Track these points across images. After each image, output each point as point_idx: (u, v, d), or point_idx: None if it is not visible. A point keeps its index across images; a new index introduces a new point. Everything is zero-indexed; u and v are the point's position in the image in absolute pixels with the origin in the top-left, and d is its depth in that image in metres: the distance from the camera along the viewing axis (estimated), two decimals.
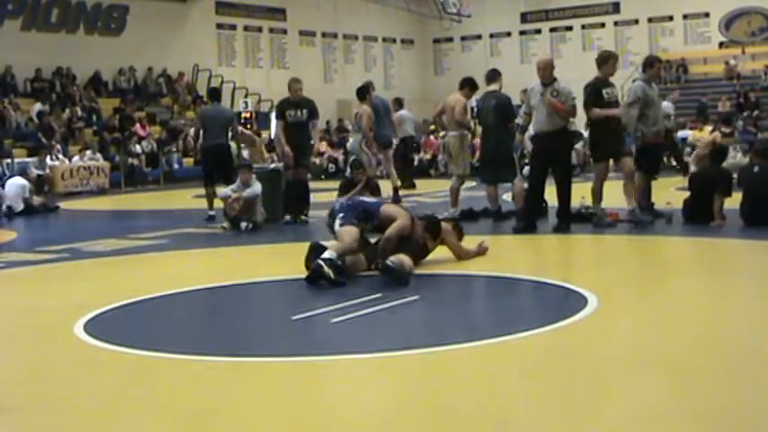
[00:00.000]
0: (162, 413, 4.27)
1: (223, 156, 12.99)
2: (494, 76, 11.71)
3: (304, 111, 12.08)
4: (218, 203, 12.59)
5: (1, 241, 11.84)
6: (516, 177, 11.28)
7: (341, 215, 7.94)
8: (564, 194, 10.18)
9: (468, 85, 12.17)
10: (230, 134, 13.28)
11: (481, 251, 8.48)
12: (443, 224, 8.47)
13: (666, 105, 18.45)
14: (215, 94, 14.33)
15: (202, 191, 13.47)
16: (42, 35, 25.96)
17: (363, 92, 13.31)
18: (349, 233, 7.70)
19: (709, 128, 20.44)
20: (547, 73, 10.23)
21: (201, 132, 13.14)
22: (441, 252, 8.28)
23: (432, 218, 8.48)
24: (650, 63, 11.06)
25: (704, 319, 5.92)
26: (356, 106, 13.81)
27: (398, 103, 18.85)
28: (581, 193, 11.56)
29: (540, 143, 10.29)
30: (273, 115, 13.14)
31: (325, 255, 7.34)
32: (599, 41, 34.53)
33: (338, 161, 23.60)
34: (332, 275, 7.15)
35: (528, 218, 10.30)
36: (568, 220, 10.18)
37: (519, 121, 10.91)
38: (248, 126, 26.35)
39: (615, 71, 10.67)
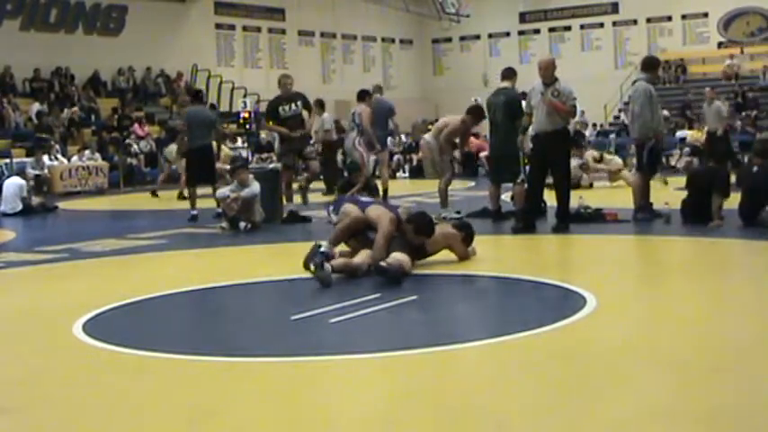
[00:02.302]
0: (161, 413, 4.27)
1: (207, 157, 13.05)
2: (508, 73, 11.70)
3: (298, 103, 12.20)
4: (201, 203, 12.93)
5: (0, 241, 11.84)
6: (518, 178, 11.25)
7: (332, 207, 8.33)
8: (563, 195, 10.17)
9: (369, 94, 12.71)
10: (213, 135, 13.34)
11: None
12: (450, 230, 8.41)
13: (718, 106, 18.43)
14: (199, 95, 14.40)
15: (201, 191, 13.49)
16: (41, 35, 25.98)
17: (363, 94, 13.36)
18: (347, 210, 7.97)
19: (707, 128, 20.42)
20: (548, 73, 10.21)
21: (187, 134, 13.15)
22: (440, 252, 8.29)
23: (421, 218, 8.12)
24: (653, 65, 11.08)
25: (703, 319, 5.92)
26: (355, 105, 13.83)
27: (320, 106, 17.63)
28: (579, 194, 11.58)
29: (540, 143, 10.27)
30: (264, 114, 13.21)
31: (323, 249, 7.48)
32: (597, 42, 34.62)
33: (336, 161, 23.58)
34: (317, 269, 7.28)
35: (527, 218, 10.30)
36: (568, 220, 10.18)
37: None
38: (247, 127, 26.36)
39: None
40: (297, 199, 12.79)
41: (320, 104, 17.73)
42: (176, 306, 7.16)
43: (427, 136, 12.58)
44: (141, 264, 9.40)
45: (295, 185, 12.83)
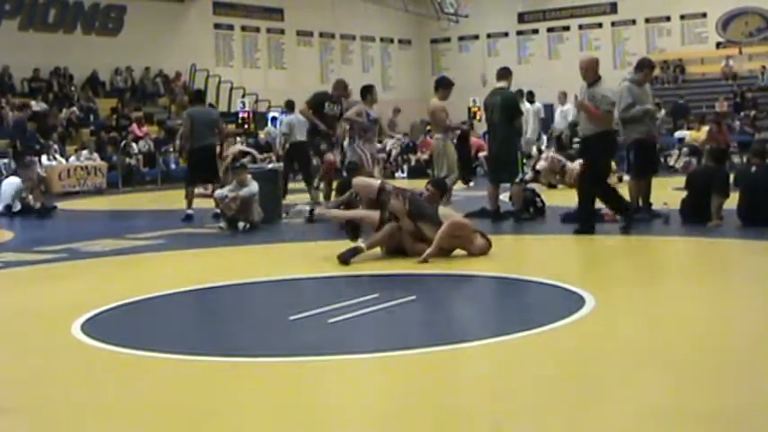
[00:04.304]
0: (160, 413, 4.27)
1: (210, 156, 13.06)
2: (504, 73, 11.66)
3: (338, 107, 12.93)
4: (197, 203, 13.05)
5: None
6: (517, 178, 11.22)
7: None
8: (583, 196, 9.91)
9: (369, 92, 12.58)
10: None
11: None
12: (471, 231, 8.48)
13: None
14: (200, 96, 14.53)
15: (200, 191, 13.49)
16: (40, 35, 25.95)
17: (364, 91, 13.31)
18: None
19: (706, 128, 20.49)
20: (587, 74, 9.88)
21: (190, 134, 13.16)
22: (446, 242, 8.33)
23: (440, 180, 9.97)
24: (640, 66, 11.03)
25: (702, 319, 5.92)
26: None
27: (289, 107, 17.49)
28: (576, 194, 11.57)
29: (581, 146, 10.09)
30: (306, 101, 13.30)
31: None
32: (596, 42, 34.63)
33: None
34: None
35: (587, 220, 9.94)
36: (586, 222, 9.88)
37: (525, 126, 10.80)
38: (246, 127, 26.34)
39: None
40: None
41: (290, 106, 17.85)
42: (175, 306, 7.15)
43: (435, 135, 12.53)
44: (140, 264, 9.39)
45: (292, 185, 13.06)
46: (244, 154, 16.94)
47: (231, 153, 16.57)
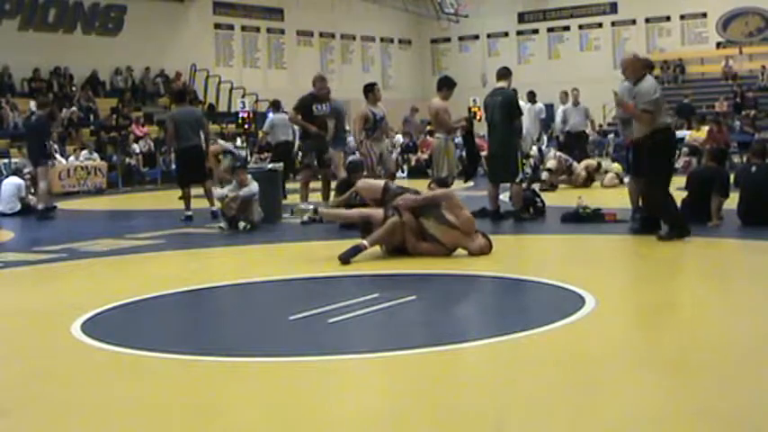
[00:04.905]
0: (160, 413, 4.27)
1: (197, 157, 13.04)
2: (504, 73, 11.64)
3: (327, 105, 12.65)
4: (197, 203, 13.05)
5: None
6: (517, 178, 11.21)
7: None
8: (648, 203, 9.59)
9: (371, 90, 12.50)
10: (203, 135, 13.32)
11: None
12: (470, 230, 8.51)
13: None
14: (182, 95, 14.49)
15: (200, 191, 13.48)
16: (40, 35, 25.99)
17: (366, 90, 13.26)
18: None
19: (706, 128, 20.49)
20: (628, 71, 9.50)
21: (174, 135, 13.15)
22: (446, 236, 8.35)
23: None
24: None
25: (703, 319, 5.92)
26: (355, 106, 13.82)
27: (275, 106, 17.79)
28: (578, 193, 11.58)
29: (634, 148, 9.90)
30: (294, 107, 13.19)
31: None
32: (596, 42, 34.66)
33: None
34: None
35: (646, 221, 9.66)
36: (667, 229, 9.26)
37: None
38: (246, 127, 26.35)
39: None
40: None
41: (276, 105, 17.93)
42: (175, 306, 7.15)
43: (436, 134, 12.53)
44: (140, 264, 9.39)
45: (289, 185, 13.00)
46: (224, 152, 17.02)
47: (212, 152, 16.60)
